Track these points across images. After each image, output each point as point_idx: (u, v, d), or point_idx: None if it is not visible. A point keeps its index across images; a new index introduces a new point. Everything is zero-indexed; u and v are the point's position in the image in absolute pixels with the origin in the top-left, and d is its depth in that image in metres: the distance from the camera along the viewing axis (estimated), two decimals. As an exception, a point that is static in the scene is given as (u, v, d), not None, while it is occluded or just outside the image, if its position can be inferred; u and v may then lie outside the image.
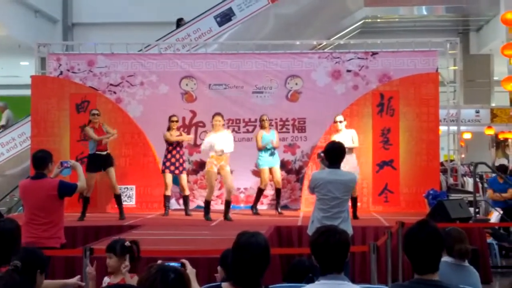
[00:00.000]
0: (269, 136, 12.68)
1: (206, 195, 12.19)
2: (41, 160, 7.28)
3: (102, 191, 13.11)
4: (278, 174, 12.80)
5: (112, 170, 12.19)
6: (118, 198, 12.32)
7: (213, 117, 12.07)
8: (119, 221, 11.71)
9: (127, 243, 5.93)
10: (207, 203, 12.07)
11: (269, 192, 13.29)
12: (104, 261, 5.97)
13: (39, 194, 7.12)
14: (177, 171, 12.66)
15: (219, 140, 11.73)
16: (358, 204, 12.36)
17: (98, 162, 12.09)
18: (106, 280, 5.91)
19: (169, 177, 12.70)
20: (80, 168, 7.42)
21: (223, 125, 12.12)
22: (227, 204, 12.02)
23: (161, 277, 3.08)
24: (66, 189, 7.22)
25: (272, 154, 12.65)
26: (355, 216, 11.38)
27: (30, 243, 6.50)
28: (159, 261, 3.36)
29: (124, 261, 5.81)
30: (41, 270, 4.33)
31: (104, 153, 12.14)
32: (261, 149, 12.65)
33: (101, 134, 12.16)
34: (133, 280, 5.72)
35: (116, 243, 5.94)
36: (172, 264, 3.37)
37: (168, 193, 12.79)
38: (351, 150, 11.64)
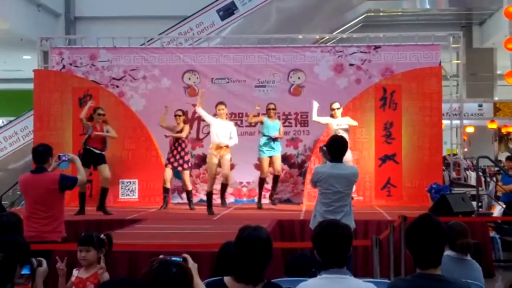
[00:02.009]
0: (273, 125, 12.68)
1: (207, 186, 12.22)
2: (42, 154, 7.29)
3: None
4: (278, 162, 12.76)
5: (104, 166, 11.97)
6: (103, 193, 12.17)
7: (216, 105, 12.11)
8: (121, 215, 11.69)
9: (102, 236, 5.89)
10: (209, 195, 12.09)
11: (267, 186, 13.28)
12: (74, 256, 5.89)
13: (40, 188, 7.12)
14: (180, 168, 12.67)
15: (223, 132, 11.79)
16: (360, 198, 12.39)
17: (89, 157, 11.77)
18: (75, 273, 5.84)
19: (168, 172, 12.72)
20: (79, 162, 7.41)
21: (227, 114, 12.12)
22: (223, 187, 12.20)
23: (163, 271, 3.08)
24: (67, 182, 7.23)
25: (272, 143, 12.63)
26: None
27: (31, 237, 6.50)
28: (161, 256, 3.34)
29: (101, 254, 5.75)
30: (21, 263, 4.27)
31: (97, 151, 11.92)
32: (250, 122, 12.94)
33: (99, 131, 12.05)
34: (105, 275, 5.65)
35: (91, 236, 5.85)
36: (174, 258, 3.36)
37: (167, 185, 12.81)
38: (346, 130, 12.10)
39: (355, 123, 12.48)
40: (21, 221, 5.99)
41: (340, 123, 12.25)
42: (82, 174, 7.36)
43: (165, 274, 3.07)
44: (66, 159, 7.31)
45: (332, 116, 12.44)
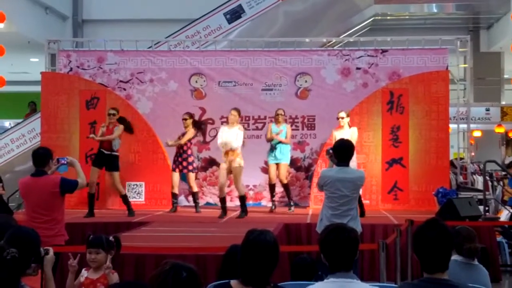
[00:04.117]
0: (276, 131, 12.62)
1: (218, 193, 12.22)
2: (42, 157, 7.22)
3: (108, 188, 13.12)
4: (282, 171, 12.63)
5: (114, 174, 12.14)
6: (124, 199, 12.33)
7: (230, 111, 12.07)
8: (128, 217, 11.73)
9: (111, 238, 5.93)
10: (221, 201, 12.11)
11: (278, 189, 13.25)
12: (81, 257, 5.92)
13: (41, 192, 7.06)
14: (185, 170, 12.65)
15: (225, 135, 11.73)
16: (367, 201, 12.37)
17: (100, 159, 12.10)
18: (84, 273, 5.87)
19: (175, 176, 12.70)
20: (78, 165, 7.34)
21: (237, 121, 12.03)
22: (240, 200, 12.06)
23: (173, 274, 3.06)
24: (68, 186, 7.17)
25: (273, 150, 12.58)
26: (362, 214, 11.37)
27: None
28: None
29: (110, 256, 5.79)
30: (33, 256, 4.27)
31: (107, 152, 12.05)
32: (268, 140, 12.60)
33: (108, 134, 12.15)
34: (114, 276, 5.71)
35: (101, 238, 5.89)
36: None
37: (175, 191, 12.78)
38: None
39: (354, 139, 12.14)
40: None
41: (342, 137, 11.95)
42: (82, 177, 7.28)
43: (175, 277, 3.05)
44: (65, 162, 7.25)
45: (338, 124, 12.32)
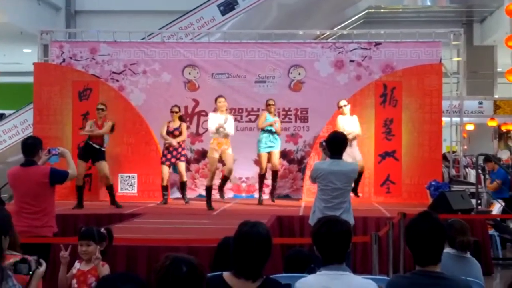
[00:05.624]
0: (272, 119, 12.59)
1: (207, 181, 12.16)
2: (31, 147, 7.09)
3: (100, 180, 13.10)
4: (276, 157, 12.54)
5: (103, 163, 12.04)
6: (110, 189, 12.26)
7: (216, 99, 11.97)
8: (120, 209, 11.70)
9: (103, 230, 5.92)
10: (208, 190, 12.03)
11: (270, 181, 13.20)
12: (74, 249, 5.91)
13: (30, 182, 6.93)
14: (173, 159, 12.57)
15: (219, 121, 11.70)
16: (360, 194, 12.39)
17: (88, 152, 12.04)
18: (77, 265, 5.88)
19: (165, 169, 12.64)
20: (69, 156, 7.19)
21: (227, 108, 12.01)
22: (225, 179, 12.08)
23: (174, 269, 3.04)
24: (57, 176, 7.05)
25: (272, 138, 12.52)
26: (354, 191, 11.52)
27: (22, 232, 6.34)
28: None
29: (101, 248, 5.79)
30: (4, 234, 4.19)
31: (96, 146, 12.02)
32: (261, 128, 12.48)
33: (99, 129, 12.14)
34: (105, 268, 5.72)
35: (92, 230, 5.87)
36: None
37: (165, 183, 12.72)
38: (354, 138, 11.83)
39: (359, 131, 12.27)
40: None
41: (348, 128, 12.00)
42: (72, 168, 7.14)
43: (175, 272, 3.03)
44: (56, 153, 7.12)
45: (340, 113, 12.37)
